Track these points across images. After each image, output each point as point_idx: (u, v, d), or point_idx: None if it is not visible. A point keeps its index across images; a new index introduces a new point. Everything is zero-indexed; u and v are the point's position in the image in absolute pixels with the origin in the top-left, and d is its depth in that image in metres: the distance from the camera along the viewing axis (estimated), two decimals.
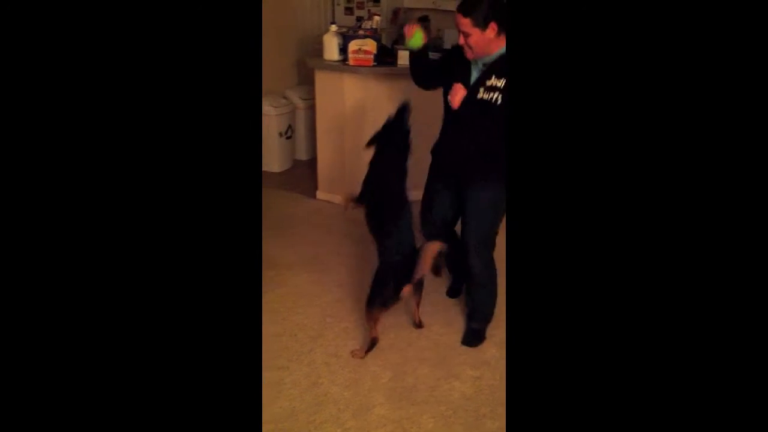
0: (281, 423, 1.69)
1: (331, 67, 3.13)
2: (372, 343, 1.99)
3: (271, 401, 1.77)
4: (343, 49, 3.07)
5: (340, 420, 1.71)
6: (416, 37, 1.98)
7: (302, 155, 4.33)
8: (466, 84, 1.83)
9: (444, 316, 2.28)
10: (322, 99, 3.29)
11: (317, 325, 2.20)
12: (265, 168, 4.10)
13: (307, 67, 4.20)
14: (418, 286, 2.02)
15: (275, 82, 4.12)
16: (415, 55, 2.05)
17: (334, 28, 3.17)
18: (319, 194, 3.54)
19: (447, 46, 4.59)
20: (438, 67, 2.05)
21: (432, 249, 1.82)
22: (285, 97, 4.06)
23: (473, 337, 2.13)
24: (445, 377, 1.92)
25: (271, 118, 3.86)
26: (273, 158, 4.03)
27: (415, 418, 1.73)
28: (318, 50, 3.37)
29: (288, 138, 4.06)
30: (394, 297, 1.87)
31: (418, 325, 2.21)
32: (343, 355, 2.02)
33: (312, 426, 1.68)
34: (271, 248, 2.83)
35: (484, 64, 1.79)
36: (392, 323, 2.21)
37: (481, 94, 1.77)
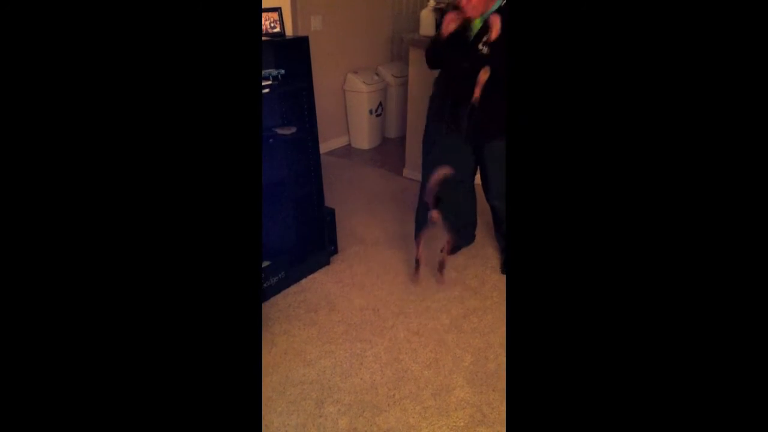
0: (361, 395, 1.72)
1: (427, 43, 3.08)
2: (416, 263, 2.23)
3: (353, 373, 1.82)
4: (440, 25, 3.00)
5: (419, 398, 1.72)
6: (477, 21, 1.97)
7: (391, 133, 4.33)
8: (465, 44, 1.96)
9: None
10: (416, 76, 3.25)
11: (400, 301, 2.22)
12: (354, 145, 4.17)
13: (400, 44, 4.17)
14: (451, 238, 2.18)
15: (368, 58, 4.14)
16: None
17: (432, 2, 3.10)
18: (406, 172, 3.54)
19: None
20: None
21: (438, 174, 1.90)
22: (377, 74, 4.06)
23: None
24: None
25: (363, 95, 3.89)
26: (363, 135, 4.08)
27: (495, 404, 1.70)
28: (413, 26, 3.33)
29: (378, 116, 4.08)
30: (426, 222, 2.06)
31: (440, 270, 2.29)
32: (424, 333, 2.02)
33: (392, 401, 1.70)
34: (357, 224, 2.88)
35: (483, 21, 1.92)
36: (476, 307, 2.18)
37: (481, 48, 1.90)
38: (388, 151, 4.07)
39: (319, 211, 2.38)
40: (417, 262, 2.22)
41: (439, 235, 2.19)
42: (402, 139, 3.74)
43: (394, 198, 3.25)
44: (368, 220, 2.93)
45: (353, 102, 3.98)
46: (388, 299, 2.23)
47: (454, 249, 2.59)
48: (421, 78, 3.23)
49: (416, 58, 3.19)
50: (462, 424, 1.63)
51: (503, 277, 2.39)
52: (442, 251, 2.22)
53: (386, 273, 2.42)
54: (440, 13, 3.02)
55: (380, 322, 2.09)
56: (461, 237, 2.65)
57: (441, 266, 2.27)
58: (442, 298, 2.23)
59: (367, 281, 2.36)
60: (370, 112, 3.98)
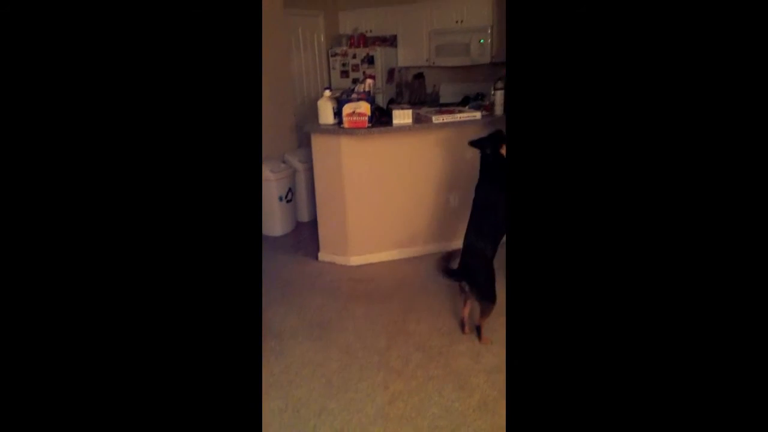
0: None
1: (327, 130, 3.17)
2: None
3: None
4: (338, 113, 3.12)
5: None
6: None
7: (304, 217, 4.31)
8: None
9: (456, 380, 2.16)
10: (320, 162, 3.30)
11: (321, 397, 2.09)
12: (266, 232, 4.08)
13: (305, 131, 4.27)
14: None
15: (274, 146, 4.18)
16: None
17: (327, 93, 3.23)
18: (322, 255, 3.49)
19: (443, 100, 4.69)
20: None
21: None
22: (284, 161, 4.09)
23: None
24: None
25: (271, 183, 3.87)
26: (274, 222, 4.01)
27: None
28: (315, 114, 3.43)
29: (288, 201, 4.06)
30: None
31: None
32: (348, 431, 1.89)
33: None
34: (273, 316, 2.74)
35: None
36: (401, 390, 2.09)
37: None
38: (302, 236, 4.02)
39: None
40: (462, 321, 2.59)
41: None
42: (315, 222, 3.71)
43: (311, 283, 3.17)
44: (284, 311, 2.81)
45: (262, 191, 3.94)
46: (308, 398, 2.09)
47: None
48: (325, 163, 3.28)
49: (318, 145, 3.26)
50: None
51: (427, 355, 2.34)
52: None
53: (305, 367, 2.29)
54: (336, 101, 3.15)
55: (301, 425, 1.94)
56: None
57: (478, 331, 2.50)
58: (365, 386, 2.13)
59: (285, 379, 2.21)
60: (280, 198, 3.96)
